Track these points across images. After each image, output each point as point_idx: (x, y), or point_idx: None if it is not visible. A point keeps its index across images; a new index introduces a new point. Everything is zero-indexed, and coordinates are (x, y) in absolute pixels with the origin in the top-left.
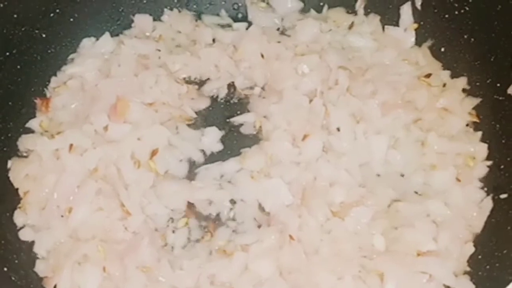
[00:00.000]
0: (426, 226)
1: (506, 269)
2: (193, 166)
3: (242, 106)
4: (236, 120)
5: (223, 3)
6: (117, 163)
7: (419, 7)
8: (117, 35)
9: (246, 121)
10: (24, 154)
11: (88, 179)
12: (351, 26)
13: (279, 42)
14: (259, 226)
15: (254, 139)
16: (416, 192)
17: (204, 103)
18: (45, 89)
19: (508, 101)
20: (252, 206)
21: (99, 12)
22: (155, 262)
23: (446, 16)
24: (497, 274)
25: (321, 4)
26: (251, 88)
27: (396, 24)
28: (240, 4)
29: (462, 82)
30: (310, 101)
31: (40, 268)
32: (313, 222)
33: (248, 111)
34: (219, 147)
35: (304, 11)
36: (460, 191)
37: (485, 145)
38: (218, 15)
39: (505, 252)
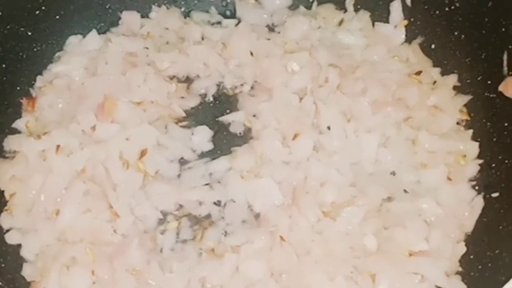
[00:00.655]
0: (418, 225)
1: (498, 269)
2: (183, 166)
3: (231, 104)
4: (226, 119)
5: (212, 0)
6: (105, 163)
7: (409, 4)
8: (104, 32)
9: (235, 120)
10: (10, 155)
11: (76, 180)
12: (340, 23)
13: (268, 39)
14: (249, 227)
15: (244, 138)
16: (407, 191)
17: (193, 102)
18: (30, 88)
19: (499, 98)
20: (242, 207)
21: (85, 9)
22: (144, 264)
23: (437, 12)
24: (489, 274)
25: (311, 0)
26: (241, 86)
27: (386, 21)
28: (228, 1)
29: (452, 79)
30: (300, 99)
31: (27, 272)
32: (304, 222)
33: (238, 110)
34: (209, 146)
35: (293, 7)
36: (451, 190)
37: (476, 144)
38: (207, 12)
39: (497, 252)
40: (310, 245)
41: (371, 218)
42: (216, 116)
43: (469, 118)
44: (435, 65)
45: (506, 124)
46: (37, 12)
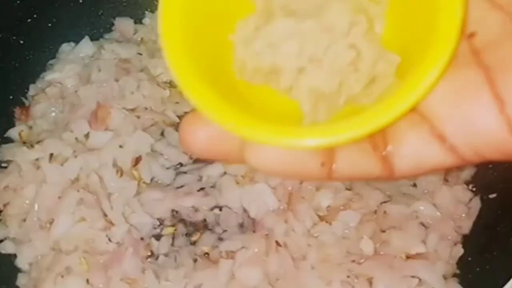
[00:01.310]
0: (415, 228)
1: (496, 271)
2: (177, 172)
3: None
4: None
5: None
6: (99, 171)
7: None
8: (97, 39)
9: None
10: (3, 165)
11: (70, 189)
12: None
13: None
14: (244, 232)
15: None
16: (403, 194)
17: (187, 107)
18: (23, 97)
19: None
20: (237, 212)
21: (78, 16)
22: (139, 273)
23: None
24: (487, 276)
25: None
26: None
27: None
28: None
29: None
30: None
31: (22, 282)
32: (300, 227)
33: None
34: None
35: None
36: (448, 192)
37: None
38: None
39: (495, 253)
40: (306, 250)
41: (367, 221)
42: None
43: None
44: None
45: None
46: (29, 20)
